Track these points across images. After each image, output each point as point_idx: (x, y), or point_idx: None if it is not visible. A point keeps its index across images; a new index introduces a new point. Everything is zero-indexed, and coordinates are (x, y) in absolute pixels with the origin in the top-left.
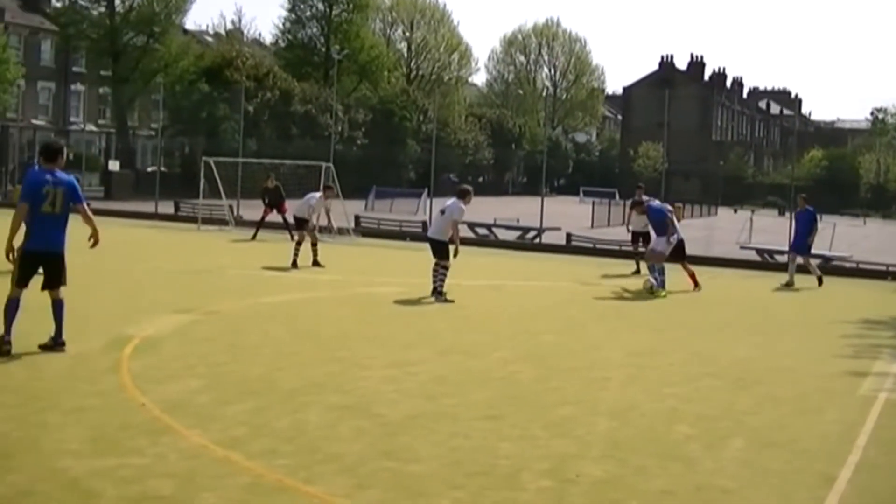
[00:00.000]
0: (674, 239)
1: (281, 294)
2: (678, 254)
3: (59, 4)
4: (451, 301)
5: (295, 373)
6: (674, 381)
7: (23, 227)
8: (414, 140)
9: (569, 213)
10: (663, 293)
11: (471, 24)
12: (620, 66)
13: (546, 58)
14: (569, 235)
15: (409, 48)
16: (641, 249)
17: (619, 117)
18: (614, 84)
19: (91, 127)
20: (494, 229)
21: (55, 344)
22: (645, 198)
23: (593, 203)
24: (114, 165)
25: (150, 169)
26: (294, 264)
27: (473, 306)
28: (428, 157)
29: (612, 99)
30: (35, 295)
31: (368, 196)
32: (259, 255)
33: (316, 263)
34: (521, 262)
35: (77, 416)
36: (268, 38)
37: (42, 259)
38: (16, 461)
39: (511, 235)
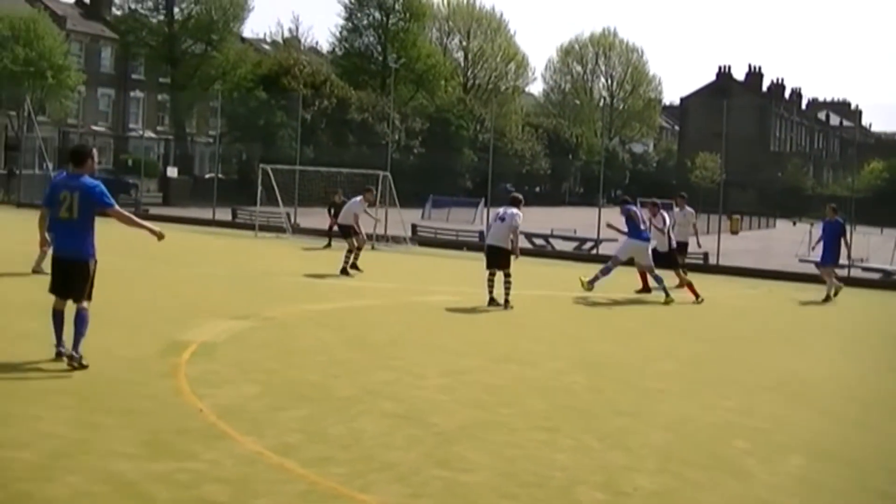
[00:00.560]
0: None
1: (337, 301)
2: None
3: (119, 12)
4: (512, 307)
5: (350, 380)
6: (729, 394)
7: None
8: (470, 149)
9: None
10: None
11: (528, 34)
12: (677, 77)
13: (603, 68)
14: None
15: (465, 57)
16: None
17: (676, 128)
18: (671, 94)
19: (149, 133)
20: (551, 240)
21: (69, 359)
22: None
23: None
24: (172, 172)
25: (207, 175)
26: (344, 271)
27: (529, 316)
28: (484, 166)
29: (669, 109)
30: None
31: (425, 205)
32: (315, 262)
33: (345, 272)
34: (578, 273)
35: (133, 419)
36: (325, 47)
37: (61, 266)
38: (73, 462)
39: (568, 246)
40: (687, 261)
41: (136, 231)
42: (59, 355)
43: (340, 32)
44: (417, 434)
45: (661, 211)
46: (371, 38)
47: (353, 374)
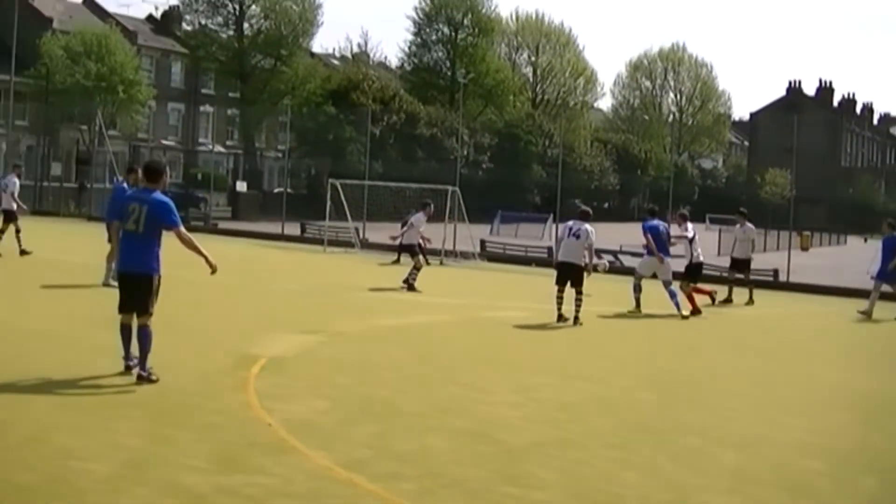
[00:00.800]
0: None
1: (406, 317)
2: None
3: (189, 28)
4: (581, 324)
5: (419, 396)
6: (800, 412)
7: None
8: (539, 164)
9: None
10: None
11: (596, 49)
12: (747, 92)
13: (672, 83)
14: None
15: (534, 72)
16: (739, 276)
17: (746, 143)
18: (741, 110)
19: (219, 148)
20: (620, 256)
21: (137, 378)
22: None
23: (720, 230)
24: (241, 186)
25: (276, 190)
26: (410, 287)
27: (598, 332)
28: (553, 181)
29: (738, 125)
30: (160, 313)
31: (494, 220)
32: (384, 277)
33: (411, 287)
34: (646, 289)
35: (203, 433)
36: (393, 62)
37: (125, 280)
38: (143, 474)
39: (637, 262)
40: (756, 277)
41: (209, 246)
42: (127, 369)
43: (409, 47)
44: (487, 451)
45: (687, 223)
46: (440, 54)
47: (423, 389)
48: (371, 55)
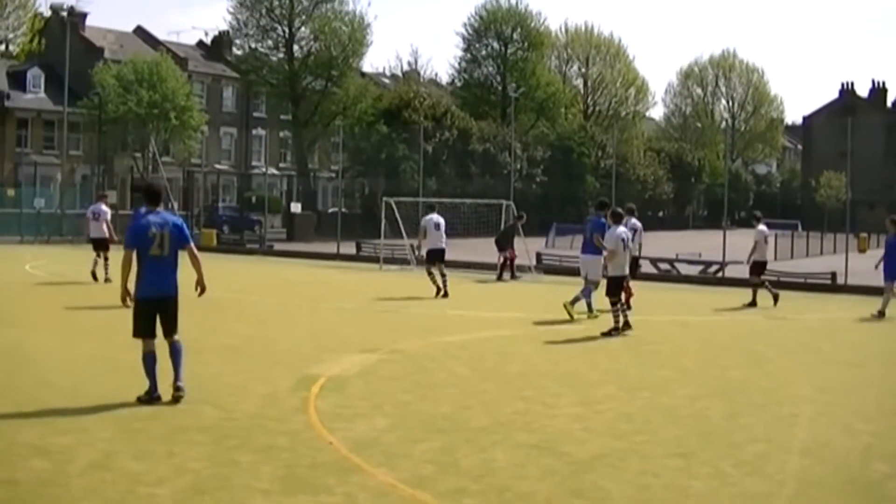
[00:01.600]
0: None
1: (465, 332)
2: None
3: (239, 52)
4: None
5: (481, 411)
6: (868, 417)
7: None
8: (593, 176)
9: (751, 247)
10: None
11: (647, 58)
12: (799, 96)
13: (723, 89)
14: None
15: (585, 84)
16: (761, 279)
17: (800, 147)
18: (794, 114)
19: (272, 170)
20: (676, 264)
21: (175, 390)
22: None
23: (775, 235)
24: (295, 207)
25: (331, 210)
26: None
27: (659, 342)
28: (608, 192)
29: (791, 129)
30: (221, 336)
31: (549, 233)
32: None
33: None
34: (705, 297)
35: (266, 454)
36: (444, 78)
37: (157, 305)
38: (209, 498)
39: (693, 270)
40: (813, 281)
41: (266, 268)
42: (157, 399)
43: (459, 63)
44: (551, 464)
45: (632, 219)
46: (490, 69)
47: (485, 404)
48: (421, 72)
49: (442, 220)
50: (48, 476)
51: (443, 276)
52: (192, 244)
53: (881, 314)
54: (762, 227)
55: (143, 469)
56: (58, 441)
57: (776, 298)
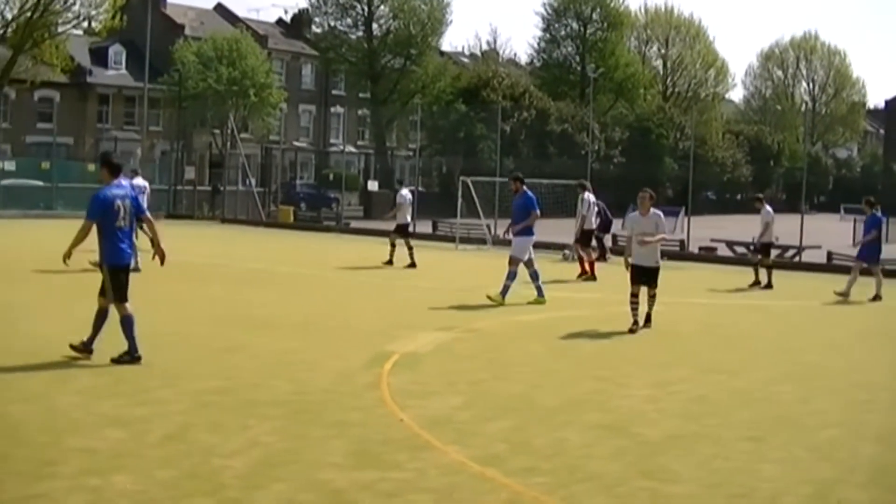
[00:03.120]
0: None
1: (541, 312)
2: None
3: (318, 30)
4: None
5: (554, 391)
6: None
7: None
8: (671, 158)
9: (829, 231)
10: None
11: (727, 40)
12: (882, 79)
13: (804, 72)
14: (829, 254)
15: (664, 65)
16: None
17: (882, 132)
18: (876, 97)
19: (350, 148)
20: (753, 248)
21: (131, 358)
22: None
23: (854, 220)
24: (373, 185)
25: (409, 188)
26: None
27: (733, 325)
28: (685, 174)
29: (873, 113)
30: (296, 312)
31: (626, 215)
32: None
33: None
34: (781, 281)
35: (339, 429)
36: (523, 58)
37: (126, 272)
38: (281, 471)
39: (771, 254)
40: (890, 267)
41: (342, 245)
42: (138, 359)
43: (538, 43)
44: (622, 445)
45: (586, 192)
46: (569, 49)
47: (558, 384)
48: (500, 52)
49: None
50: (125, 446)
51: (409, 248)
52: (148, 213)
53: (845, 295)
54: (769, 208)
55: (217, 441)
56: (134, 412)
57: (769, 285)
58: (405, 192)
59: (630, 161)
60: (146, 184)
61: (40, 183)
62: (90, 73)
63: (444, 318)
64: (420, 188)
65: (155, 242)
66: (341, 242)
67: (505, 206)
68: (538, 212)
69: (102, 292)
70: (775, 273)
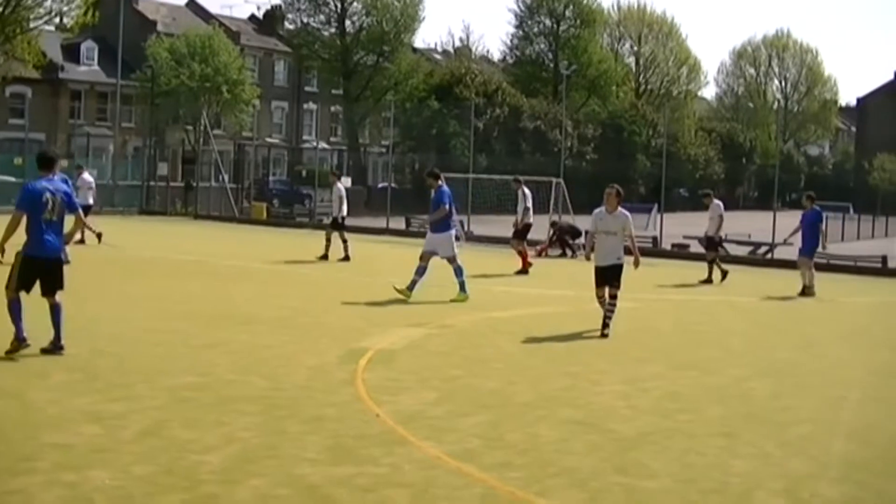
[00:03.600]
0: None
1: (514, 309)
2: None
3: (291, 27)
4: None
5: (528, 387)
6: None
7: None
8: (644, 155)
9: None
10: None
11: (699, 38)
12: (854, 77)
13: (777, 70)
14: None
15: (637, 62)
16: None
17: (853, 129)
18: (847, 95)
19: (323, 144)
20: (725, 244)
21: (55, 348)
22: None
23: (826, 218)
24: (346, 182)
25: (381, 185)
26: None
27: (706, 322)
28: (658, 171)
29: (845, 111)
30: (272, 308)
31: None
32: (491, 269)
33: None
34: (753, 278)
35: (315, 425)
36: (496, 55)
37: (43, 264)
38: (257, 466)
39: (742, 251)
40: (863, 264)
41: (315, 242)
42: (24, 342)
43: (511, 40)
44: (596, 440)
45: (523, 187)
46: (542, 46)
47: (532, 380)
48: (473, 49)
49: None
50: (101, 441)
51: (344, 241)
52: (80, 211)
53: (806, 291)
54: (717, 202)
55: (193, 437)
56: (110, 408)
57: (722, 275)
58: (340, 185)
59: (603, 158)
60: (92, 179)
61: (13, 179)
62: (62, 69)
63: (416, 315)
64: (393, 185)
65: (70, 234)
66: (314, 238)
67: (479, 202)
68: (448, 207)
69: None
70: (751, 271)
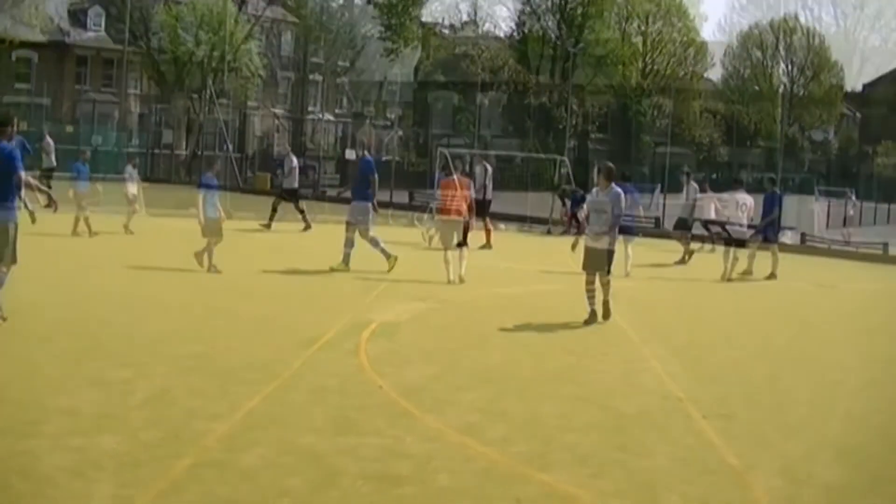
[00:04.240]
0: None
1: (517, 286)
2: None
3: None
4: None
5: (530, 363)
6: None
7: None
8: (648, 135)
9: (804, 212)
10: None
11: (708, 19)
12: (859, 63)
13: (783, 53)
14: (803, 235)
15: (644, 42)
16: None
17: (858, 115)
18: (853, 81)
19: (328, 116)
20: (728, 227)
21: None
22: None
23: (829, 203)
24: (350, 154)
25: (385, 158)
26: None
27: (708, 304)
28: (663, 152)
29: (850, 96)
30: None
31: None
32: (499, 245)
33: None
34: (756, 262)
35: (318, 395)
36: (503, 31)
37: None
38: (262, 434)
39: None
40: (865, 250)
41: (317, 213)
42: None
43: (519, 17)
44: (596, 417)
45: (483, 163)
46: (549, 23)
47: (535, 357)
48: (480, 25)
49: None
50: (107, 408)
51: (301, 211)
52: (22, 171)
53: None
54: (695, 184)
55: (198, 405)
56: (115, 374)
57: (688, 256)
58: (293, 156)
59: (608, 138)
60: (52, 142)
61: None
62: (68, 35)
63: (420, 288)
64: (396, 158)
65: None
66: (317, 210)
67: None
68: (375, 177)
69: None
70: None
